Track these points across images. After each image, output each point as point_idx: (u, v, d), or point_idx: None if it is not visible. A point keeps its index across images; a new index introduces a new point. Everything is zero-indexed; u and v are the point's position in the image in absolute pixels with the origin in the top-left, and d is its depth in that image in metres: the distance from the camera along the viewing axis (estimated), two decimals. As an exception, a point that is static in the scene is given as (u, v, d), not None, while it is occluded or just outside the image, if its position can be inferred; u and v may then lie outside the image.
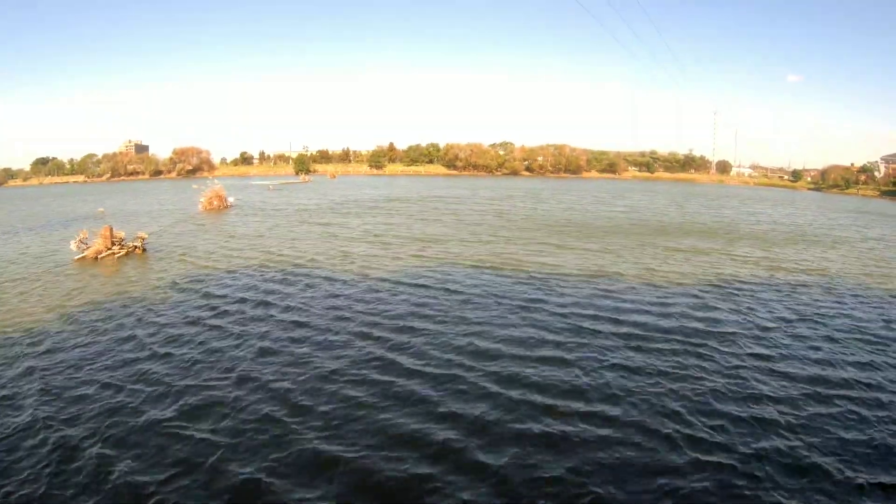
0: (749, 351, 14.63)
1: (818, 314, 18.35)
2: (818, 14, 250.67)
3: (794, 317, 17.96)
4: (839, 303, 20.21)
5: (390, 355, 13.80)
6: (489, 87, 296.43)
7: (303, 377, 12.53)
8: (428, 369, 12.93)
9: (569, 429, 10.32)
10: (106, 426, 10.36)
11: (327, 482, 8.69)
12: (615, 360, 13.60)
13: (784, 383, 12.55)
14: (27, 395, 11.84)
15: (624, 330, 15.96)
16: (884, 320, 17.88)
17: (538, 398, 11.50)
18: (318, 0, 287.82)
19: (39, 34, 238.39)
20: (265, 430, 10.18)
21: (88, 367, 13.28)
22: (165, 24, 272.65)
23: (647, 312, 17.80)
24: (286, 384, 12.15)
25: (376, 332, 15.54)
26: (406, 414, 10.86)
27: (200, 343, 14.92)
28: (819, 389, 12.23)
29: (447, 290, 20.35)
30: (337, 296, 19.52)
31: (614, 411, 11.02)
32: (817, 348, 15.00)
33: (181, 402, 11.30)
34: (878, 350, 15.02)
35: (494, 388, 11.97)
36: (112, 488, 8.53)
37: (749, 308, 18.75)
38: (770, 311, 18.49)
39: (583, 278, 22.79)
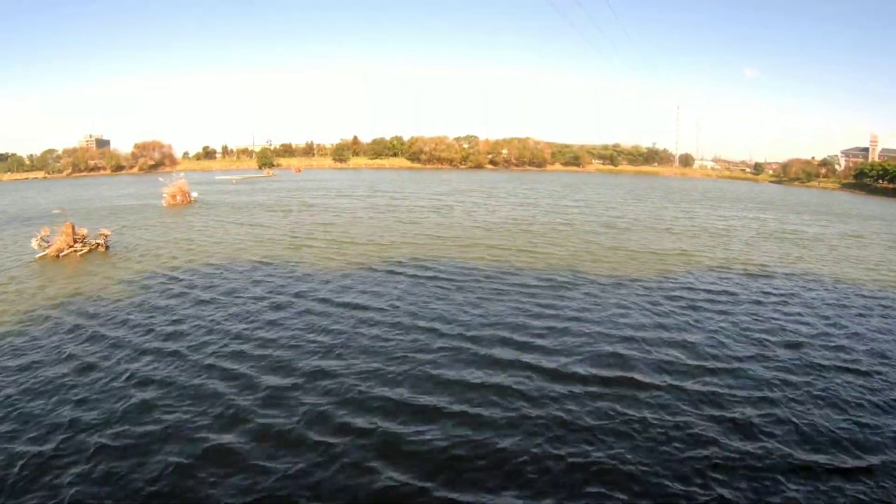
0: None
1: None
2: (774, 9, 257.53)
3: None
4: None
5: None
6: (455, 80, 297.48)
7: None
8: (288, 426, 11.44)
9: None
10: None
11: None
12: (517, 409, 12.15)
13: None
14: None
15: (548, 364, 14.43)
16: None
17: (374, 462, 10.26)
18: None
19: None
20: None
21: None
22: (125, 18, 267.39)
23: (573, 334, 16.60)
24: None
25: (256, 353, 15.09)
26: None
27: (124, 358, 14.96)
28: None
29: (355, 306, 19.41)
30: (279, 306, 19.35)
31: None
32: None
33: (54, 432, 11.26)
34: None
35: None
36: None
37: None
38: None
39: (506, 290, 21.69)
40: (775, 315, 19.47)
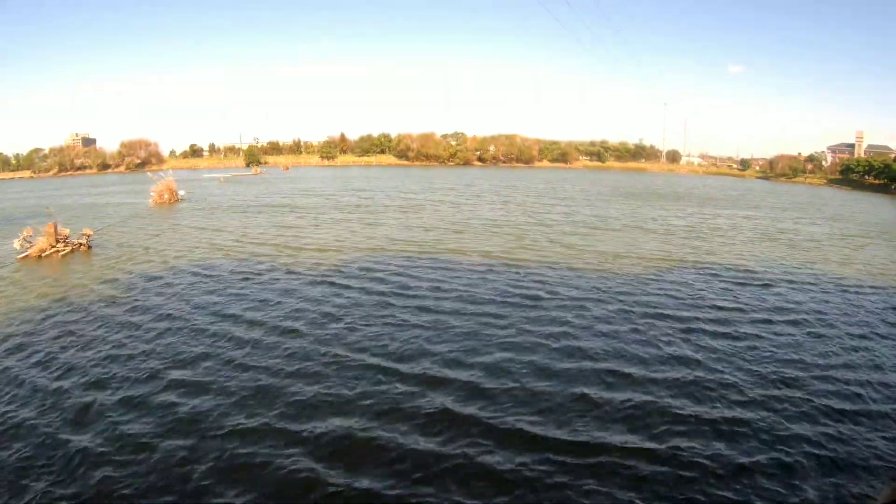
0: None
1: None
2: (758, 6, 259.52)
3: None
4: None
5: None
6: (443, 77, 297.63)
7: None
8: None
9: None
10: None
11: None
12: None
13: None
14: None
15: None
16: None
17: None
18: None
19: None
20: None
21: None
22: (111, 16, 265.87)
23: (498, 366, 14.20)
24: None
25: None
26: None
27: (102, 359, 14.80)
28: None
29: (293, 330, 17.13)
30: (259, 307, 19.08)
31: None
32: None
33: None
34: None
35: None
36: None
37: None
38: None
39: (461, 300, 20.06)
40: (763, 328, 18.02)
